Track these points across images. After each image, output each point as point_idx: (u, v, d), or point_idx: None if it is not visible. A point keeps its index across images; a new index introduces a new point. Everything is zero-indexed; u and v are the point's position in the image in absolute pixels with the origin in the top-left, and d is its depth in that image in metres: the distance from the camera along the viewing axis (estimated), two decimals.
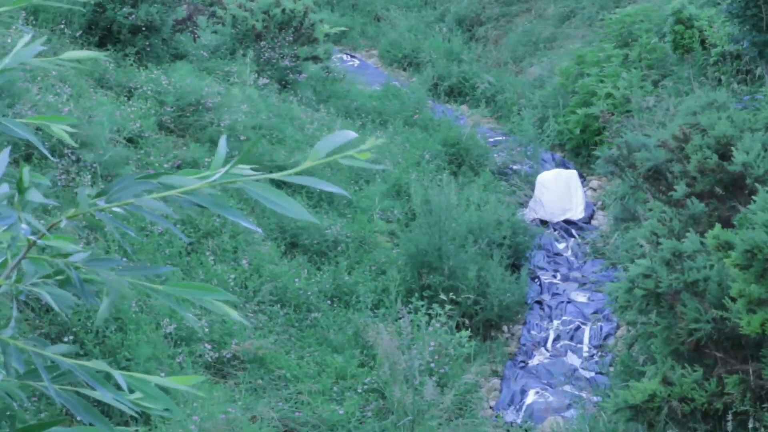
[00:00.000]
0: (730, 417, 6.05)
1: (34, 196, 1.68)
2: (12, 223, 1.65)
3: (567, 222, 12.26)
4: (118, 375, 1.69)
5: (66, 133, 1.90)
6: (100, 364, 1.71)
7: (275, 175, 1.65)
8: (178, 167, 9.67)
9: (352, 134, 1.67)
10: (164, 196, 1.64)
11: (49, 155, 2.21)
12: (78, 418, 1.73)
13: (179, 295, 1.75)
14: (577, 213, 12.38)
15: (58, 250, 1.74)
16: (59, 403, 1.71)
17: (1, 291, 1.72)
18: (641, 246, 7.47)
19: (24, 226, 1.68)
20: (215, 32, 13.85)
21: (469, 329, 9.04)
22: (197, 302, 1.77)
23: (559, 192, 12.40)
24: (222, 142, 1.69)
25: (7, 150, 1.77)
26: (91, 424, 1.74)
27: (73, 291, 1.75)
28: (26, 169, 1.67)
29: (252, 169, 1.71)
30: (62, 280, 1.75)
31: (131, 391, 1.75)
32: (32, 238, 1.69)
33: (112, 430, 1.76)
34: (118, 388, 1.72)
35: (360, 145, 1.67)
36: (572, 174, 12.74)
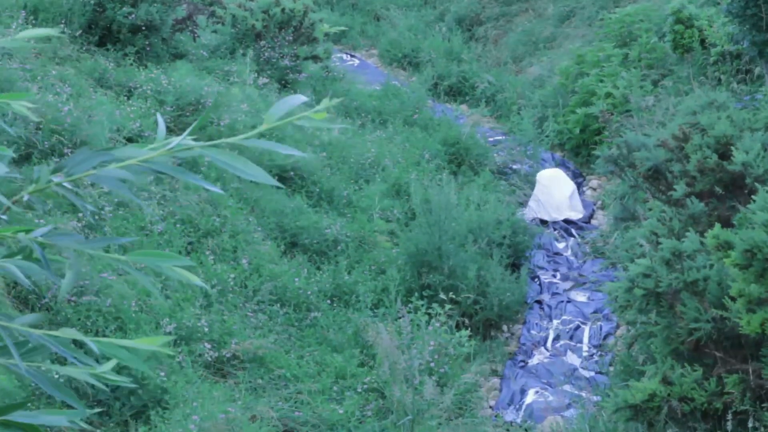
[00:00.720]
0: (729, 416, 6.05)
1: None
2: None
3: (567, 221, 12.26)
4: (89, 341, 1.69)
5: (27, 108, 1.89)
6: (71, 332, 1.70)
7: (232, 139, 1.64)
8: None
9: (302, 98, 1.66)
10: (124, 166, 1.64)
11: (8, 129, 2.20)
12: (48, 393, 1.72)
13: (139, 263, 1.75)
14: (574, 213, 12.37)
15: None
16: (29, 378, 1.70)
17: None
18: (641, 245, 7.47)
19: None
20: (215, 32, 13.85)
21: (469, 329, 9.04)
22: (156, 269, 1.76)
23: (556, 190, 12.40)
24: (160, 117, 1.69)
25: None
26: (65, 404, 1.74)
27: (38, 266, 1.74)
28: None
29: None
30: (25, 257, 1.74)
31: (105, 359, 1.74)
32: None
33: (82, 407, 1.75)
34: (96, 361, 1.71)
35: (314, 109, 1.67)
36: (569, 181, 12.75)
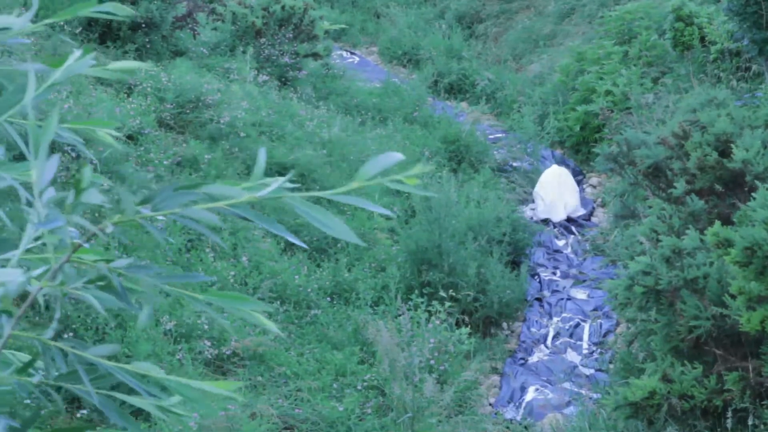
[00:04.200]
0: (729, 414, 6.05)
1: (92, 197, 1.67)
2: (59, 226, 1.64)
3: (567, 219, 12.26)
4: (167, 380, 1.71)
5: (111, 137, 1.91)
6: (144, 367, 1.72)
7: (323, 194, 1.65)
8: (178, 164, 9.67)
9: (398, 156, 1.65)
10: (211, 207, 1.64)
11: (91, 157, 2.23)
12: (111, 422, 1.74)
13: (217, 305, 1.77)
14: (570, 211, 12.35)
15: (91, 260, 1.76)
16: (95, 404, 1.72)
17: (44, 293, 1.73)
18: (641, 243, 7.47)
19: (72, 229, 1.68)
20: (215, 29, 13.86)
21: (469, 326, 9.04)
22: (234, 312, 1.78)
23: (555, 190, 12.40)
24: (261, 154, 1.67)
25: (56, 156, 1.76)
26: (124, 429, 1.75)
27: (115, 296, 1.76)
28: (87, 169, 1.66)
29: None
30: (103, 285, 1.76)
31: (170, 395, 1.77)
32: (77, 241, 1.69)
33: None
34: (163, 389, 1.74)
35: (407, 168, 1.66)
36: (566, 172, 12.74)
